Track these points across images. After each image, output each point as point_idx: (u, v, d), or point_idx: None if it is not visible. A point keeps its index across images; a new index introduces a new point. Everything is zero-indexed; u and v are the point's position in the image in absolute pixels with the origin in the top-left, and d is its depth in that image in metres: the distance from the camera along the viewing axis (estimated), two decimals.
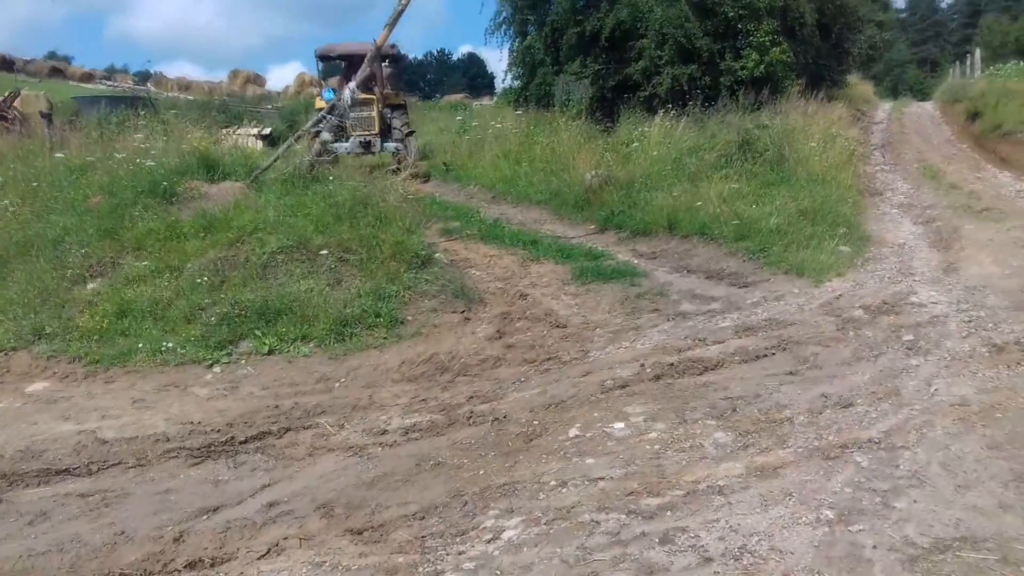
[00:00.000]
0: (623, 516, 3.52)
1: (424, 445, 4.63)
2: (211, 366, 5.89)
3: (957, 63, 33.21)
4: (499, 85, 22.96)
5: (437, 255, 8.06)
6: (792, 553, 3.15)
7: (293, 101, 32.56)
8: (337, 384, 5.69)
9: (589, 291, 7.79)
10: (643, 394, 5.10)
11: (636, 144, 12.63)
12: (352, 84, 9.71)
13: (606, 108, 17.52)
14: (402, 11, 8.60)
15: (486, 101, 34.67)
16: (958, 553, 3.11)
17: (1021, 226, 10.19)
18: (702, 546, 3.23)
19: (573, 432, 4.56)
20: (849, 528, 3.31)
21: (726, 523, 3.38)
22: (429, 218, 9.63)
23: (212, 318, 6.37)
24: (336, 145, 13.40)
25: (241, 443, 4.73)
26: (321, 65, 17.92)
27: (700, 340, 6.21)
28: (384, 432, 4.84)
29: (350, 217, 7.80)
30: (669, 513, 3.52)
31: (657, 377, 5.38)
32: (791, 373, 5.35)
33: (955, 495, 3.57)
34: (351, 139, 14.61)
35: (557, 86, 18.31)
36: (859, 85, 28.02)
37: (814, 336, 6.15)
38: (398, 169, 13.76)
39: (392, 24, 8.79)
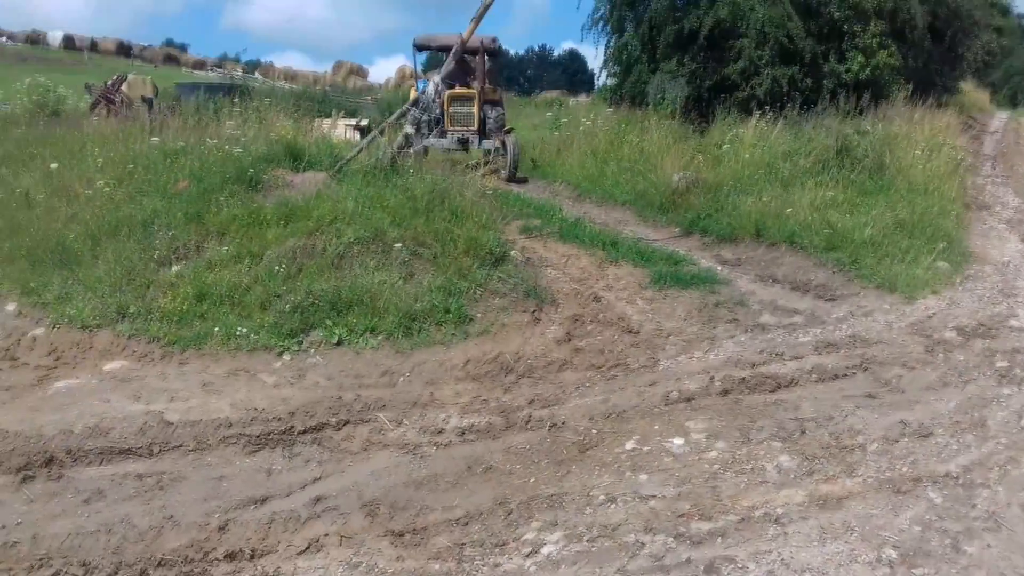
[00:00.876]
0: (670, 539, 3.37)
1: (478, 447, 4.56)
2: (281, 354, 5.97)
3: None
4: (597, 83, 22.72)
5: (512, 253, 7.98)
6: None
7: (392, 93, 33.05)
8: (401, 379, 5.68)
9: (666, 297, 7.58)
10: (708, 409, 4.91)
11: (727, 146, 12.27)
12: (437, 78, 9.72)
13: (701, 108, 17.11)
14: (488, 7, 8.57)
15: (583, 99, 34.45)
16: None
17: None
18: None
19: (630, 445, 4.42)
20: (912, 571, 3.08)
21: (778, 555, 3.19)
22: (509, 215, 9.55)
23: (286, 306, 6.45)
24: (432, 141, 13.12)
25: (300, 433, 4.76)
26: (420, 56, 17.76)
27: (776, 355, 5.96)
28: (440, 431, 4.79)
29: (427, 211, 7.81)
30: (719, 540, 3.36)
31: (725, 392, 5.17)
32: (870, 396, 5.07)
33: None
34: (448, 135, 13.57)
35: (652, 84, 18.01)
36: (973, 93, 26.67)
37: (899, 357, 5.82)
38: (495, 170, 13.16)
39: (478, 19, 8.79)
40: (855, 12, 15.88)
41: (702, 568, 3.14)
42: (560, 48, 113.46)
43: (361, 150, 9.02)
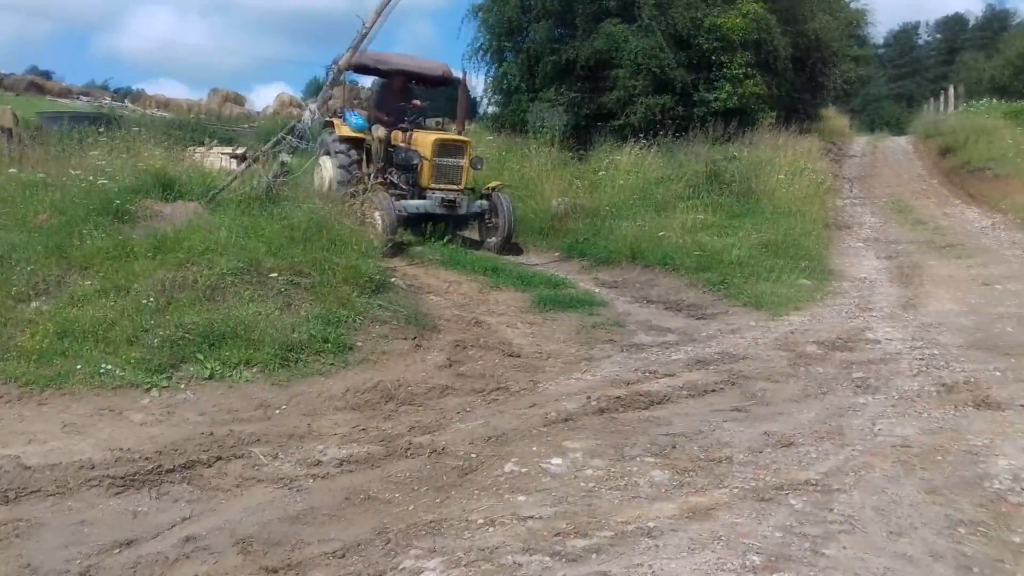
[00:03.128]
0: (547, 558, 3.41)
1: (357, 478, 4.50)
2: (149, 390, 5.72)
3: (932, 99, 33.64)
4: (479, 111, 22.94)
5: (393, 280, 7.96)
6: None
7: (271, 121, 32.41)
8: (277, 411, 5.54)
9: (547, 320, 7.72)
10: (585, 428, 5.01)
11: (603, 173, 12.63)
12: (314, 105, 9.56)
13: (580, 136, 17.57)
14: (366, 34, 8.55)
15: (468, 126, 34.72)
16: None
17: (982, 263, 10.25)
18: None
19: (509, 467, 4.45)
20: (773, 575, 3.21)
21: (649, 568, 3.27)
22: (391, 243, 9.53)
23: (155, 340, 6.20)
24: (406, 203, 10.24)
25: (168, 472, 4.57)
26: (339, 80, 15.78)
27: (651, 373, 6.14)
28: (318, 463, 4.70)
29: (304, 240, 7.69)
30: (594, 556, 3.42)
31: (602, 411, 5.29)
32: (737, 409, 5.29)
33: (886, 542, 3.49)
34: (429, 194, 10.44)
35: (532, 112, 18.36)
36: (835, 119, 28.31)
37: (765, 371, 6.10)
38: (489, 241, 11.03)
39: (355, 47, 8.73)
40: (723, 44, 16.68)
41: None
42: None
43: (236, 178, 8.81)
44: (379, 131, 11.21)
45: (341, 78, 10.21)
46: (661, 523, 3.69)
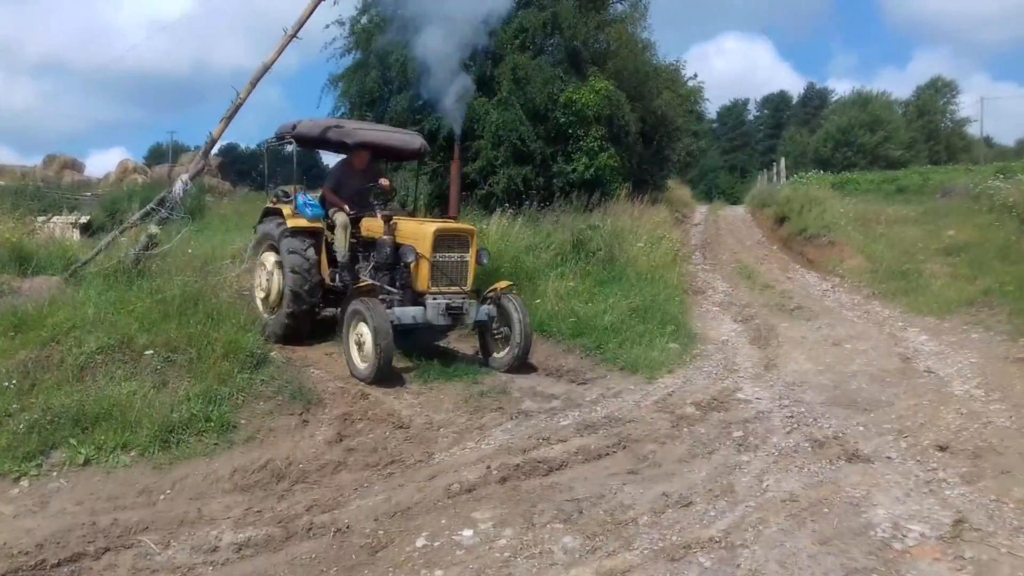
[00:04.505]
0: None
1: (259, 562, 4.34)
2: (18, 480, 5.31)
3: (764, 170, 36.30)
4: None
5: (273, 354, 7.76)
6: None
7: (114, 189, 31.02)
8: (162, 497, 5.26)
9: (432, 390, 7.71)
10: (490, 498, 5.04)
11: None
12: (186, 176, 9.17)
13: (445, 205, 17.82)
14: (240, 104, 8.45)
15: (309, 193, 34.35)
16: None
17: (829, 324, 11.06)
18: None
19: (420, 542, 4.41)
20: None
21: None
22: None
23: (20, 426, 5.77)
24: (399, 311, 8.01)
25: (53, 566, 4.26)
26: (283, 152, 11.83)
27: (544, 439, 6.24)
28: (215, 549, 4.50)
29: (179, 314, 7.39)
30: None
31: (503, 479, 5.33)
32: (632, 472, 5.46)
33: None
34: (428, 300, 8.18)
35: (396, 182, 18.49)
36: (678, 189, 30.03)
37: (651, 433, 6.33)
38: (496, 357, 8.65)
39: (229, 117, 8.61)
40: (578, 118, 17.45)
41: None
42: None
43: (99, 252, 8.40)
44: (339, 217, 9.18)
45: (212, 152, 9.77)
46: None
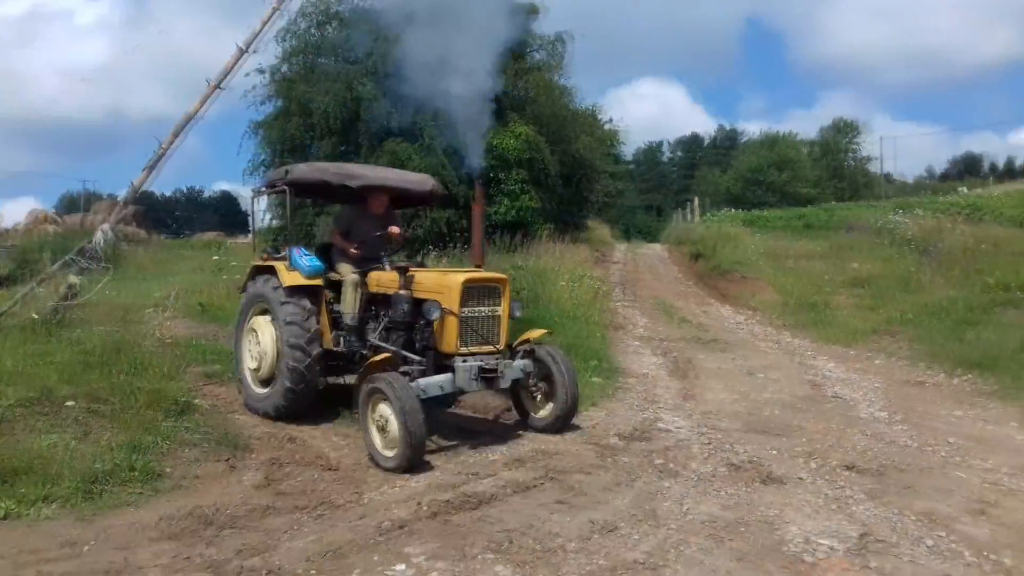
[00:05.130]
0: None
1: None
2: None
3: (679, 209, 37.43)
4: (257, 224, 22.44)
5: (197, 401, 7.72)
6: None
7: (25, 239, 30.02)
8: (86, 548, 5.18)
9: (360, 431, 7.75)
10: (422, 533, 5.13)
11: None
12: (106, 225, 9.05)
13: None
14: (163, 153, 8.46)
15: (242, 240, 33.97)
16: None
17: (743, 355, 11.52)
18: None
19: None
20: None
21: None
22: (188, 362, 9.19)
23: None
24: (424, 383, 6.87)
25: None
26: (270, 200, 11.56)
27: (473, 474, 6.36)
28: None
29: (101, 364, 7.33)
30: None
31: (434, 515, 5.43)
32: (560, 502, 5.62)
33: None
34: (457, 364, 7.10)
35: (318, 227, 18.50)
36: (598, 228, 30.68)
37: (577, 465, 6.52)
38: (537, 417, 7.83)
39: (152, 166, 8.61)
40: (500, 161, 17.87)
41: None
42: (211, 188, 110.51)
43: (16, 303, 8.24)
44: (347, 273, 8.20)
45: (136, 196, 9.66)
46: None
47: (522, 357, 7.64)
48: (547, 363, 7.65)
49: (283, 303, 7.87)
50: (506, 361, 7.40)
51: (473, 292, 7.26)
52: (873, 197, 45.39)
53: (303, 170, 8.57)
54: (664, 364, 11.20)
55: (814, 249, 19.69)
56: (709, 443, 7.13)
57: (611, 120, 29.53)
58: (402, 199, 9.19)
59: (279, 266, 8.18)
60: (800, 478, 6.06)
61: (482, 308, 7.33)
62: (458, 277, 7.28)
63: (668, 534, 4.91)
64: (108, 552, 5.13)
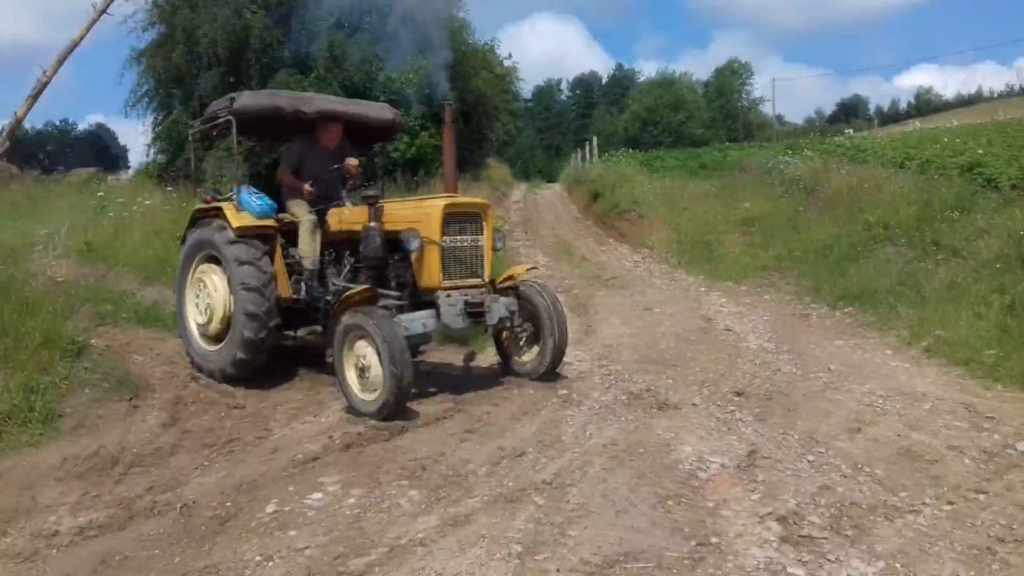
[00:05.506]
0: None
1: (106, 542, 4.33)
2: None
3: (578, 149, 37.71)
4: (139, 159, 21.61)
5: (94, 342, 7.51)
6: None
7: None
8: None
9: (266, 370, 7.74)
10: (335, 464, 5.24)
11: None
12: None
13: (263, 186, 17.48)
14: (47, 82, 8.05)
15: (124, 176, 32.44)
16: (624, 566, 3.67)
17: (640, 292, 11.93)
18: None
19: (271, 508, 4.56)
20: (535, 557, 3.75)
21: (431, 570, 3.65)
22: (80, 303, 8.87)
23: None
24: (405, 320, 6.35)
25: None
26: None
27: None
28: (55, 533, 4.44)
29: None
30: (377, 569, 3.71)
31: (347, 447, 5.54)
32: (469, 431, 5.81)
33: (616, 519, 4.19)
34: (441, 299, 6.58)
35: (208, 162, 17.91)
36: (498, 168, 30.70)
37: (485, 397, 6.72)
38: (521, 361, 7.46)
39: (35, 96, 8.18)
40: (397, 98, 17.61)
41: None
42: (85, 122, 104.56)
43: None
44: (302, 214, 7.53)
45: (19, 130, 9.08)
46: (429, 533, 4.07)
47: (501, 295, 7.03)
48: (535, 302, 7.14)
49: (233, 243, 7.14)
50: (493, 295, 6.88)
51: (454, 220, 6.70)
52: (764, 138, 46.88)
53: (249, 98, 7.62)
54: (566, 301, 11.45)
55: (708, 190, 20.26)
56: (609, 374, 7.44)
57: (509, 57, 29.35)
58: (358, 131, 8.22)
59: (227, 207, 7.39)
60: (694, 404, 6.42)
61: (464, 238, 6.78)
62: (438, 203, 6.70)
63: (573, 457, 5.17)
64: (12, 492, 5.06)
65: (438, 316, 6.52)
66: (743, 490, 4.62)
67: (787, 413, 6.20)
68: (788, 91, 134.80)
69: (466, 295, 6.66)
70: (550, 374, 7.23)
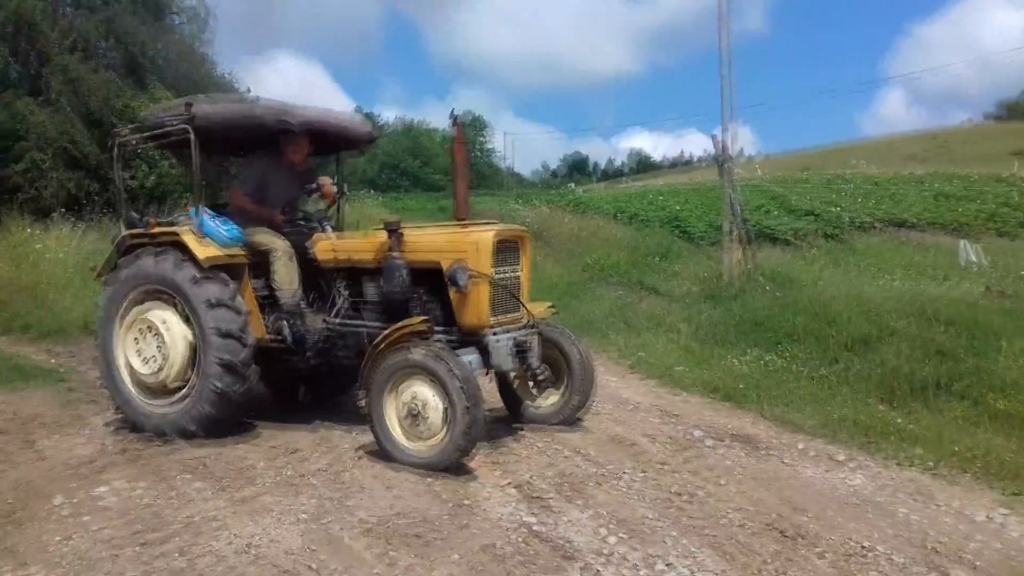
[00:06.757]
0: (137, 548, 4.09)
1: None
2: None
3: None
4: None
5: None
6: (286, 541, 4.16)
7: None
8: None
9: (16, 391, 7.66)
10: (115, 464, 5.54)
11: (40, 245, 12.28)
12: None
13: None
14: None
15: None
16: (396, 522, 4.45)
17: None
18: (216, 551, 4.03)
19: (57, 500, 4.81)
20: (321, 521, 4.43)
21: (230, 533, 4.21)
22: None
23: None
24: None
25: None
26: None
27: None
28: None
29: None
30: (177, 538, 4.20)
31: (123, 451, 5.84)
32: (243, 434, 6.30)
33: (386, 492, 4.96)
34: (489, 340, 5.84)
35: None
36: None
37: (259, 407, 7.19)
38: (535, 406, 6.78)
39: None
40: (137, 125, 17.24)
41: (176, 554, 3.99)
42: None
43: None
44: (267, 238, 6.48)
45: None
46: (220, 511, 4.61)
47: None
48: (560, 344, 6.55)
49: (199, 282, 6.04)
50: (535, 330, 6.21)
51: (501, 250, 5.98)
52: (498, 187, 49.71)
53: (213, 108, 6.29)
54: None
55: None
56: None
57: (248, 91, 29.12)
58: (339, 143, 7.33)
59: (186, 235, 6.20)
60: None
61: (506, 268, 6.05)
62: (486, 231, 5.91)
63: (343, 451, 5.86)
64: None
65: (484, 356, 5.84)
66: (488, 469, 5.55)
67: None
68: (519, 145, 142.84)
69: (517, 335, 6.02)
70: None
